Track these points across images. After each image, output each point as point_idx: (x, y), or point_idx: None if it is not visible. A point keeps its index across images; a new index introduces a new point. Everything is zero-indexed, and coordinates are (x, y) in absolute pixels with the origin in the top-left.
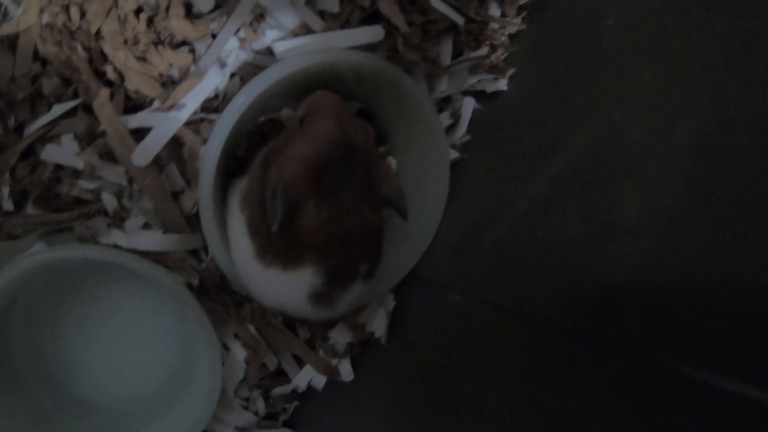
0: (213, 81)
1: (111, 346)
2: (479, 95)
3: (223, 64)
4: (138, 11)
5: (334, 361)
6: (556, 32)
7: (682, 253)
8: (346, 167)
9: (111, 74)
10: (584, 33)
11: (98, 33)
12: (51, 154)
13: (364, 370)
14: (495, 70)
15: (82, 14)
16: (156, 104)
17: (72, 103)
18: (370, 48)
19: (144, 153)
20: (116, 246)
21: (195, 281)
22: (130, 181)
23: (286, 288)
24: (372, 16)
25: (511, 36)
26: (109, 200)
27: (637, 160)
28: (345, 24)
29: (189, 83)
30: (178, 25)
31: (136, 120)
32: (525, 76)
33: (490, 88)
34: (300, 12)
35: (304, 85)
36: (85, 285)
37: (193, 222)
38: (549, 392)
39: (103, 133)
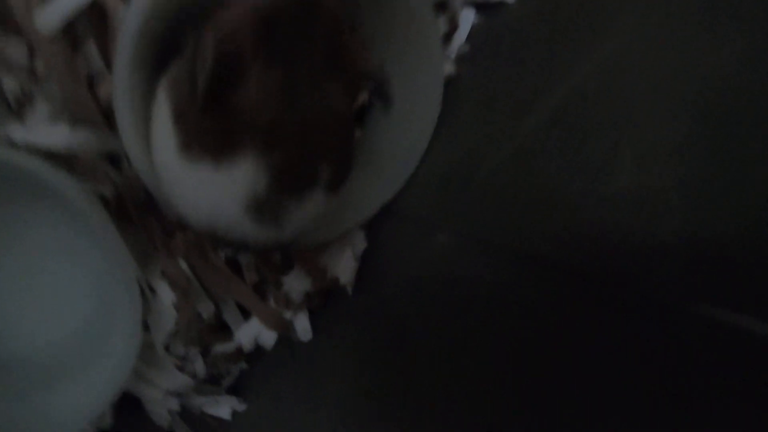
0: None
1: (10, 287)
2: (480, 7)
3: None
4: None
5: (288, 314)
6: None
7: (679, 192)
8: (304, 24)
9: None
10: None
11: None
12: None
13: (326, 327)
14: None
15: None
16: None
17: None
18: None
19: (52, 15)
20: (9, 140)
21: (108, 193)
22: (33, 54)
23: (218, 191)
24: None
25: None
26: (9, 83)
27: (646, 90)
28: None
29: None
30: None
31: None
32: None
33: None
34: None
35: None
36: None
37: (111, 118)
38: (553, 339)
39: None
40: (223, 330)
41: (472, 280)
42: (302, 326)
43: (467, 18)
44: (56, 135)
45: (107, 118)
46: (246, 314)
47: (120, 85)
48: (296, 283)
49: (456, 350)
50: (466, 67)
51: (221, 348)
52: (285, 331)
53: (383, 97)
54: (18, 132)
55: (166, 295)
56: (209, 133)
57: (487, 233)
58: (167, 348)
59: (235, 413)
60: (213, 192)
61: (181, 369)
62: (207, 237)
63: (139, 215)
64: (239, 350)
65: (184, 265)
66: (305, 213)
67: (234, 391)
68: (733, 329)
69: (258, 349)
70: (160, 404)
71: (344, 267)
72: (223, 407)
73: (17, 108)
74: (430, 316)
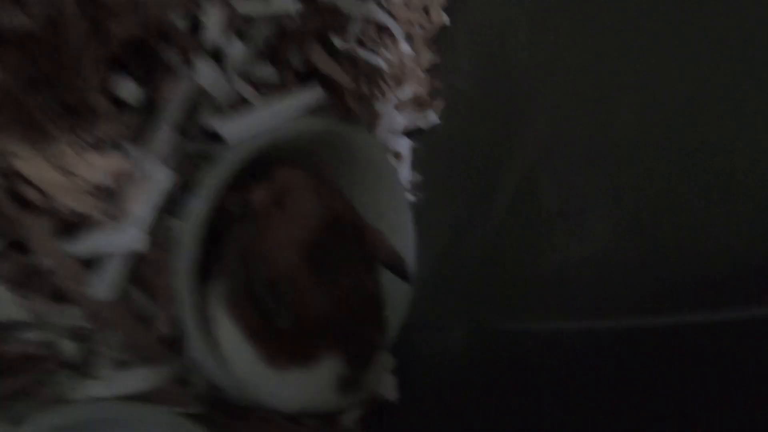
0: (160, 182)
1: None
2: (414, 133)
3: (165, 161)
4: (52, 115)
5: None
6: (469, 57)
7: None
8: (339, 242)
9: (34, 196)
10: (497, 53)
11: (10, 151)
12: None
13: None
14: (423, 105)
15: None
16: (108, 223)
17: None
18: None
19: (106, 285)
20: (97, 399)
21: (198, 410)
22: (93, 320)
23: (312, 385)
24: (306, 75)
25: (427, 70)
26: (68, 347)
27: (582, 161)
28: (282, 89)
29: (134, 190)
30: (104, 124)
31: (85, 246)
32: (453, 106)
33: (423, 124)
34: (235, 85)
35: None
36: None
37: (173, 345)
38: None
39: (42, 272)
40: None
41: (490, 361)
42: None
43: (405, 146)
44: (133, 380)
45: (169, 346)
46: None
47: (189, 324)
48: (350, 414)
49: (493, 419)
50: (422, 189)
51: None
52: None
53: (402, 275)
54: (100, 388)
55: None
56: (289, 345)
57: (483, 317)
58: None
59: None
60: (307, 386)
61: None
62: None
63: (217, 415)
64: None
65: None
66: (375, 369)
67: None
68: None
69: None
70: None
71: (386, 385)
72: None
73: (82, 366)
74: (466, 397)
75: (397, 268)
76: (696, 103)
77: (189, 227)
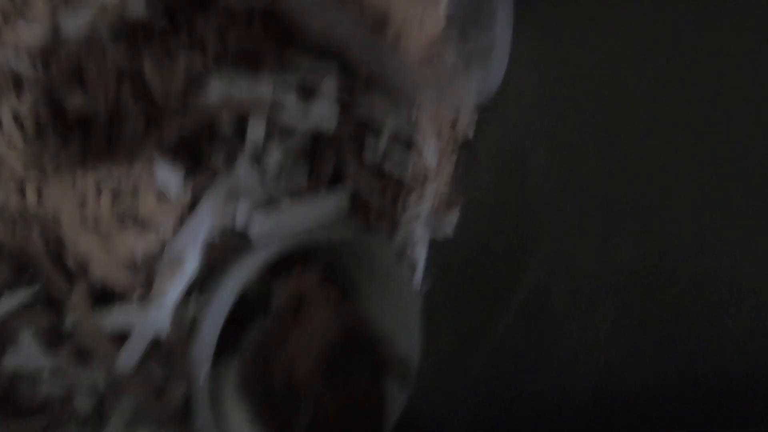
0: (191, 267)
1: None
2: (430, 242)
3: (196, 248)
4: (97, 190)
5: None
6: (489, 174)
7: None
8: (354, 355)
9: (72, 263)
10: (520, 170)
11: (54, 215)
12: (15, 359)
13: None
14: (441, 216)
15: (39, 195)
16: (136, 300)
17: (28, 294)
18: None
19: (129, 356)
20: None
21: None
22: (111, 385)
23: None
24: (334, 182)
25: (447, 182)
26: (83, 402)
27: (589, 284)
28: (311, 192)
29: (168, 272)
30: (147, 206)
31: (115, 319)
32: (470, 218)
33: (439, 234)
34: (268, 186)
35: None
36: None
37: (183, 416)
38: None
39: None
40: None
41: None
42: None
43: (421, 254)
44: None
45: (181, 417)
46: None
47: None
48: None
49: None
50: (431, 297)
51: None
52: None
53: (405, 378)
54: None
55: None
56: None
57: (485, 424)
58: None
59: None
60: None
61: None
62: None
63: None
64: None
65: None
66: None
67: None
68: None
69: None
70: None
71: None
72: None
73: (94, 422)
74: None
75: (403, 376)
76: (700, 232)
77: (215, 316)
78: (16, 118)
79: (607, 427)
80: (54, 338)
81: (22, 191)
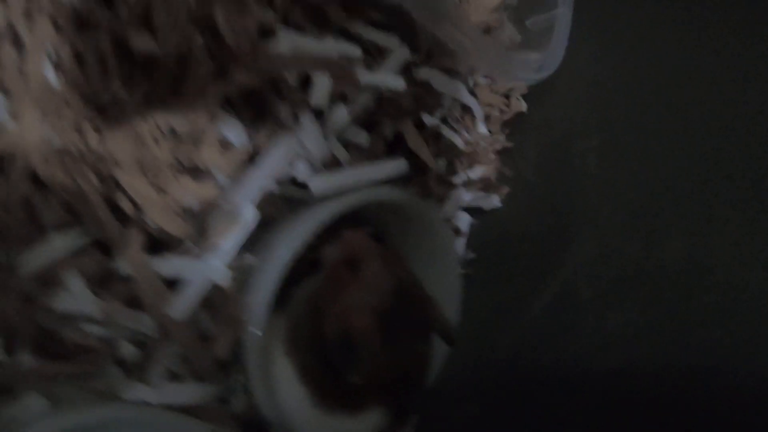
0: (249, 221)
1: None
2: (474, 211)
3: (254, 200)
4: (158, 135)
5: None
6: (538, 150)
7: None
8: (405, 311)
9: (127, 207)
10: (569, 152)
11: (112, 159)
12: (64, 302)
13: None
14: (489, 187)
15: (99, 137)
16: (194, 250)
17: (79, 238)
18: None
19: (182, 306)
20: (145, 402)
21: (233, 431)
22: (162, 333)
23: (351, 430)
24: (392, 145)
25: (497, 152)
26: (128, 349)
27: (631, 276)
28: (371, 156)
29: (225, 225)
30: (207, 154)
31: (170, 267)
32: (515, 193)
33: (485, 205)
34: (331, 145)
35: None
36: None
37: (224, 368)
38: None
39: (120, 276)
40: None
41: None
42: None
43: (465, 223)
44: (182, 393)
45: (221, 368)
46: None
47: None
48: None
49: None
50: (472, 265)
51: None
52: None
53: (449, 342)
54: (149, 394)
55: None
56: (342, 392)
57: (504, 401)
58: None
59: None
60: (346, 431)
61: None
62: None
63: None
64: None
65: None
66: (408, 428)
67: None
68: None
69: None
70: None
71: None
72: None
73: (136, 370)
74: None
75: (446, 336)
76: (743, 237)
77: (273, 272)
78: (78, 56)
79: (620, 416)
80: (104, 283)
81: (81, 131)
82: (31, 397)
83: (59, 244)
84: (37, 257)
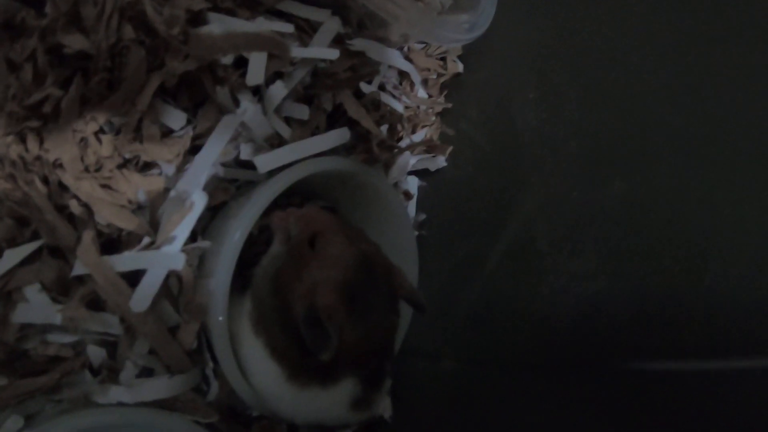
0: (197, 205)
1: None
2: (422, 174)
3: (201, 185)
4: (98, 132)
5: None
6: (479, 108)
7: (619, 292)
8: (371, 283)
9: (75, 208)
10: (509, 108)
11: (55, 162)
12: (24, 313)
13: None
14: (433, 148)
15: (41, 142)
16: (145, 240)
17: (31, 247)
18: (340, 149)
19: (143, 298)
20: (120, 403)
21: (214, 419)
22: (128, 329)
23: (327, 403)
24: (333, 117)
25: (438, 114)
26: (96, 353)
27: (579, 219)
28: (314, 130)
29: (179, 214)
30: (150, 146)
31: (126, 262)
32: (460, 152)
33: (432, 166)
34: (272, 122)
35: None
36: None
37: (194, 357)
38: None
39: (78, 279)
40: None
41: (474, 393)
42: None
43: (414, 186)
44: (161, 387)
45: (191, 358)
46: None
47: (220, 340)
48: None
49: None
50: (425, 226)
51: None
52: None
53: (419, 309)
54: (124, 394)
55: None
56: (313, 367)
57: (473, 353)
58: None
59: None
60: (322, 404)
61: None
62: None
63: (227, 424)
64: None
65: None
66: (383, 393)
67: None
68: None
69: None
70: None
71: (382, 404)
72: None
73: (106, 372)
74: (451, 427)
75: (416, 303)
76: (682, 173)
77: (229, 253)
78: (12, 65)
79: (587, 354)
80: (63, 289)
81: (22, 139)
82: (6, 417)
83: (13, 257)
84: None
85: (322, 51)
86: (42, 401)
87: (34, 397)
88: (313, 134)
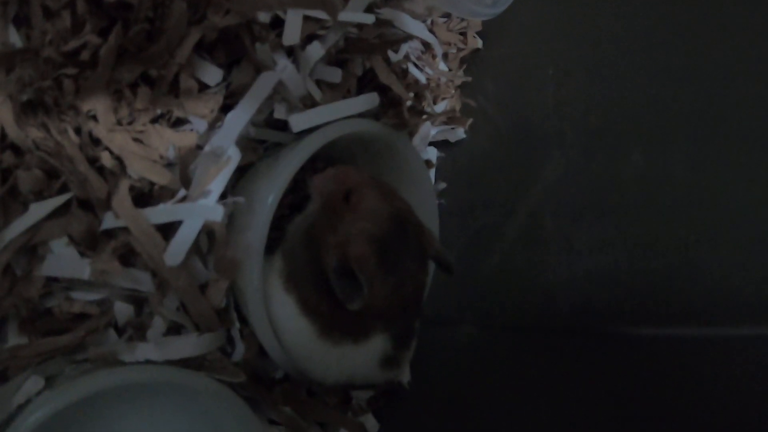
0: (235, 161)
1: None
2: (441, 145)
3: (235, 141)
4: (134, 85)
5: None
6: (498, 83)
7: (634, 262)
8: (403, 238)
9: (108, 161)
10: (526, 84)
11: (88, 112)
12: (50, 267)
13: (389, 419)
14: (453, 120)
15: (77, 89)
16: (181, 193)
17: (60, 200)
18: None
19: (177, 251)
20: (149, 361)
21: (241, 379)
22: (159, 285)
23: (358, 360)
24: (363, 81)
25: (458, 87)
26: (123, 310)
27: (597, 191)
28: (345, 93)
29: (216, 168)
30: (186, 100)
31: (161, 214)
32: (478, 125)
33: (452, 137)
34: (307, 84)
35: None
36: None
37: (221, 317)
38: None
39: (107, 234)
40: None
41: (493, 357)
42: (370, 423)
43: (433, 156)
44: (190, 345)
45: (218, 315)
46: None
47: (255, 295)
48: (362, 392)
49: (494, 412)
50: (445, 195)
51: None
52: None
53: (447, 269)
54: (152, 352)
55: None
56: (345, 322)
57: (492, 318)
58: None
59: None
60: (353, 361)
61: None
62: (339, 388)
63: (252, 384)
64: None
65: (287, 409)
66: (411, 353)
67: None
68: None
69: None
70: None
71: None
72: None
73: (134, 329)
74: (470, 391)
75: (444, 264)
76: (698, 152)
77: (267, 207)
78: (47, 11)
79: (587, 321)
80: (91, 243)
81: (59, 86)
82: (26, 378)
83: (39, 210)
84: (18, 226)
85: (359, 15)
86: (63, 362)
87: (56, 357)
88: (344, 98)
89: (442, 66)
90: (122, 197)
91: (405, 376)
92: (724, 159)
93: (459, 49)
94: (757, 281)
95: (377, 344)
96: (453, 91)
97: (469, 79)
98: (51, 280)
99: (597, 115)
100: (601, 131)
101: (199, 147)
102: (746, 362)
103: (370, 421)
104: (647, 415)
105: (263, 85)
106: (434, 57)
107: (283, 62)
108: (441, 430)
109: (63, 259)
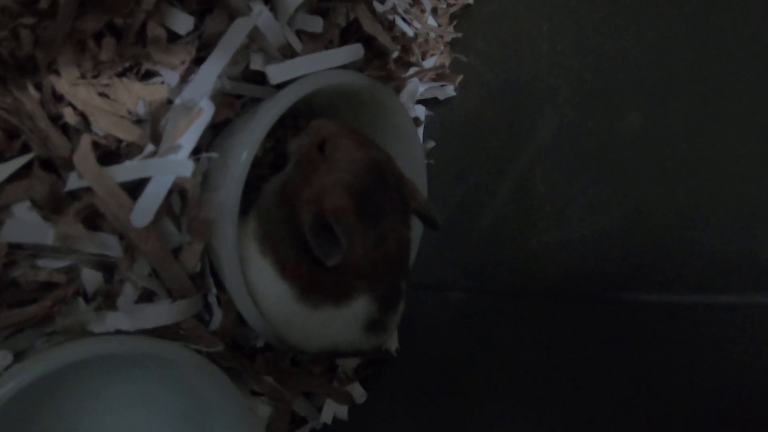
0: (208, 115)
1: None
2: (429, 103)
3: (208, 95)
4: (99, 35)
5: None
6: (489, 39)
7: (628, 225)
8: (383, 189)
9: (71, 117)
10: (519, 40)
11: (50, 65)
12: (12, 232)
13: (377, 388)
14: (443, 76)
15: (36, 41)
16: (148, 148)
17: (21, 161)
18: (351, 67)
19: (145, 211)
20: (119, 331)
21: (219, 348)
22: (127, 249)
23: (341, 324)
24: (346, 33)
25: (448, 44)
26: (91, 277)
27: (592, 150)
28: (328, 44)
29: (186, 121)
30: (154, 50)
31: (127, 171)
32: (468, 83)
33: (441, 95)
34: (285, 33)
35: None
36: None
37: (196, 282)
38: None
39: (72, 196)
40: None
41: (481, 321)
42: (357, 392)
43: (421, 114)
44: (163, 313)
45: (193, 280)
46: (310, 398)
47: (230, 258)
48: (349, 362)
49: (483, 378)
50: (433, 155)
51: None
52: (350, 401)
53: (432, 224)
54: (123, 321)
55: (262, 409)
56: (325, 283)
57: (482, 283)
58: None
59: None
60: (336, 325)
61: None
62: (324, 355)
63: (230, 353)
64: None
65: (270, 379)
66: (397, 317)
67: None
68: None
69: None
70: None
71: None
72: None
73: (103, 298)
74: (459, 356)
75: (429, 218)
76: (696, 115)
77: (241, 162)
78: None
79: (578, 286)
80: (55, 207)
81: (16, 37)
82: None
83: (1, 172)
84: None
85: None
86: (32, 336)
87: (25, 331)
88: (326, 49)
89: (431, 21)
90: (84, 153)
91: (393, 342)
92: (726, 119)
93: (449, 5)
94: (755, 248)
95: (361, 306)
96: (442, 47)
97: (460, 35)
98: (14, 248)
99: (593, 72)
100: (596, 89)
101: (171, 101)
102: (741, 330)
103: (357, 390)
104: (639, 380)
105: (237, 32)
106: (423, 11)
107: (258, 7)
108: (431, 399)
109: (25, 224)
